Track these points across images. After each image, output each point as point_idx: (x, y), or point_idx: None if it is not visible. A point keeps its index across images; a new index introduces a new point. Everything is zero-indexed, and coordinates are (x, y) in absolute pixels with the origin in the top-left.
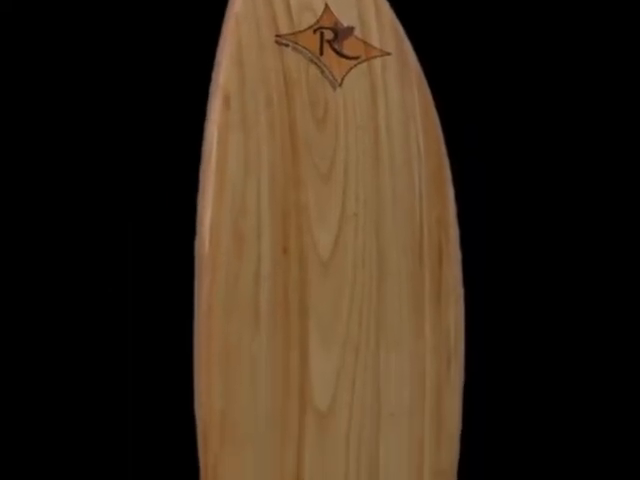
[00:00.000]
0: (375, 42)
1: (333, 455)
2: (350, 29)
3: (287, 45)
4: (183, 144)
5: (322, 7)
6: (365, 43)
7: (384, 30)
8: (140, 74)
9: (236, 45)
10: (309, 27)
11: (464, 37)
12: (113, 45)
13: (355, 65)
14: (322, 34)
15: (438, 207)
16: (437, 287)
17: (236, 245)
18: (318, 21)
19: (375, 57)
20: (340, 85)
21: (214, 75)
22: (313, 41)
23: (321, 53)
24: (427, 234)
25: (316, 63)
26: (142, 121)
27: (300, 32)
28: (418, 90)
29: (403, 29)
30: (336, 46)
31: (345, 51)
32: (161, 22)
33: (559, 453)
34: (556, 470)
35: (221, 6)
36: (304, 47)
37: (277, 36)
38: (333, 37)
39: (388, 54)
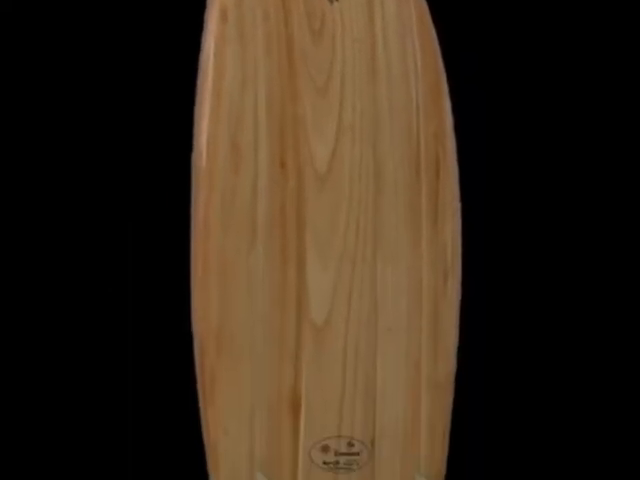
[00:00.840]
0: None
1: (330, 369)
2: None
3: None
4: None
5: None
6: None
7: None
8: None
9: None
10: None
11: None
12: None
13: None
14: None
15: (435, 120)
16: (434, 201)
17: (233, 158)
18: None
19: None
20: None
21: None
22: None
23: None
24: (424, 147)
25: None
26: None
27: None
28: (415, 3)
29: None
30: None
31: None
32: None
33: (556, 373)
34: (554, 390)
35: None
36: None
37: None
38: None
39: None
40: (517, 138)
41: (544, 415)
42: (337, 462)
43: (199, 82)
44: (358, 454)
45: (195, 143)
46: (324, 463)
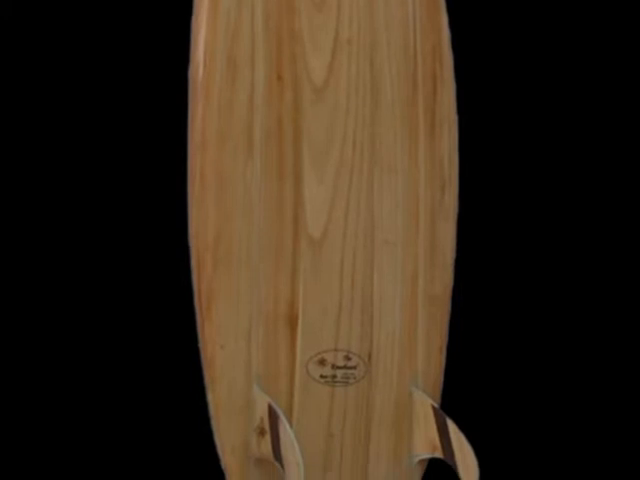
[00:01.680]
0: None
1: (327, 282)
2: None
3: None
4: None
5: None
6: None
7: None
8: None
9: None
10: None
11: None
12: None
13: None
14: None
15: (433, 36)
16: (431, 114)
17: (230, 71)
18: None
19: None
20: None
21: None
22: None
23: None
24: (421, 62)
25: None
26: None
27: None
28: None
29: None
30: None
31: None
32: None
33: (553, 286)
34: (552, 305)
35: None
36: None
37: None
38: None
39: None
40: (515, 52)
41: (541, 331)
42: (334, 376)
43: None
44: (355, 368)
45: (192, 57)
46: (321, 377)
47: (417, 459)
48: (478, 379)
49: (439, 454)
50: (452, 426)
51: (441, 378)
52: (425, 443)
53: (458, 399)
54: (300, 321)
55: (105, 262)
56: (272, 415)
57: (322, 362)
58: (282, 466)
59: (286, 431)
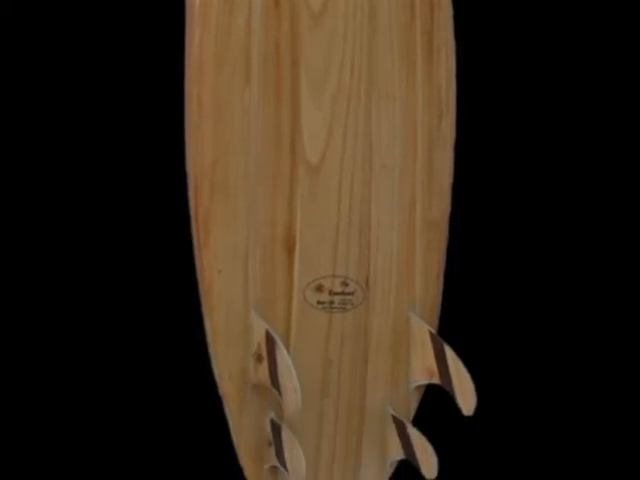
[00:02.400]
0: None
1: (324, 208)
2: None
3: None
4: None
5: None
6: None
7: None
8: None
9: None
10: None
11: None
12: None
13: None
14: None
15: None
16: (429, 40)
17: None
18: None
19: None
20: None
21: None
22: None
23: None
24: None
25: None
26: None
27: None
28: None
29: None
30: None
31: None
32: None
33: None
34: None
35: None
36: None
37: None
38: None
39: None
40: None
41: (538, 257)
42: (331, 302)
43: None
44: (352, 294)
45: None
46: (318, 302)
47: (414, 385)
48: (476, 306)
49: (436, 380)
50: (450, 352)
51: (438, 304)
52: (422, 369)
53: (456, 326)
54: (297, 246)
55: (102, 189)
56: (269, 341)
57: (319, 288)
58: (279, 392)
59: (283, 357)
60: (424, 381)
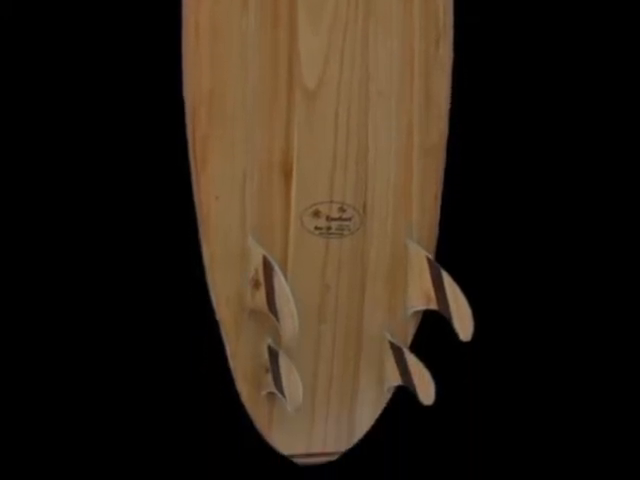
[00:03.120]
0: None
1: (322, 133)
2: None
3: None
4: None
5: None
6: None
7: None
8: None
9: None
10: None
11: None
12: None
13: None
14: None
15: None
16: None
17: None
18: None
19: None
20: None
21: None
22: None
23: None
24: None
25: None
26: None
27: None
28: None
29: None
30: None
31: None
32: None
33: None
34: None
35: None
36: None
37: None
38: None
39: None
40: None
41: (536, 183)
42: (329, 227)
43: None
44: (350, 219)
45: None
46: (315, 228)
47: (412, 311)
48: (473, 232)
49: (434, 306)
50: (447, 278)
51: (436, 230)
52: (420, 295)
53: (453, 252)
54: (294, 172)
55: (100, 116)
56: (267, 267)
57: (317, 214)
58: (277, 318)
59: (281, 283)
60: (421, 307)
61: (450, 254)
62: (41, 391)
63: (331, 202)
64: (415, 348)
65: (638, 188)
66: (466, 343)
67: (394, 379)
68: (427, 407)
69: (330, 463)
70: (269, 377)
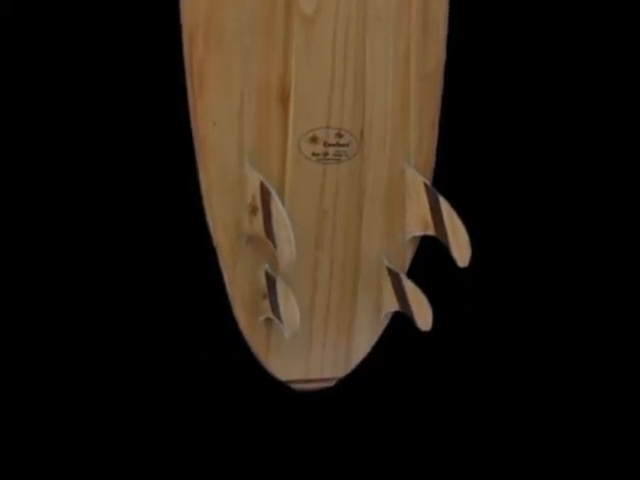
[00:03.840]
0: None
1: (319, 59)
2: None
3: None
4: None
5: None
6: None
7: None
8: None
9: None
10: None
11: None
12: None
13: None
14: None
15: None
16: None
17: None
18: None
19: None
20: None
21: None
22: None
23: None
24: None
25: None
26: None
27: None
28: None
29: None
30: None
31: None
32: None
33: None
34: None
35: None
36: None
37: None
38: None
39: None
40: None
41: (533, 116)
42: (326, 153)
43: None
44: (347, 145)
45: None
46: (313, 154)
47: (410, 236)
48: (471, 158)
49: (431, 232)
50: (444, 204)
51: (433, 156)
52: (418, 221)
53: (451, 178)
54: (292, 97)
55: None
56: (264, 193)
57: (314, 139)
58: (274, 244)
59: (278, 208)
60: (419, 232)
61: (448, 180)
62: (43, 337)
63: (328, 127)
64: (413, 274)
65: None
66: (463, 269)
67: (391, 305)
68: (425, 333)
69: (327, 389)
70: (266, 303)
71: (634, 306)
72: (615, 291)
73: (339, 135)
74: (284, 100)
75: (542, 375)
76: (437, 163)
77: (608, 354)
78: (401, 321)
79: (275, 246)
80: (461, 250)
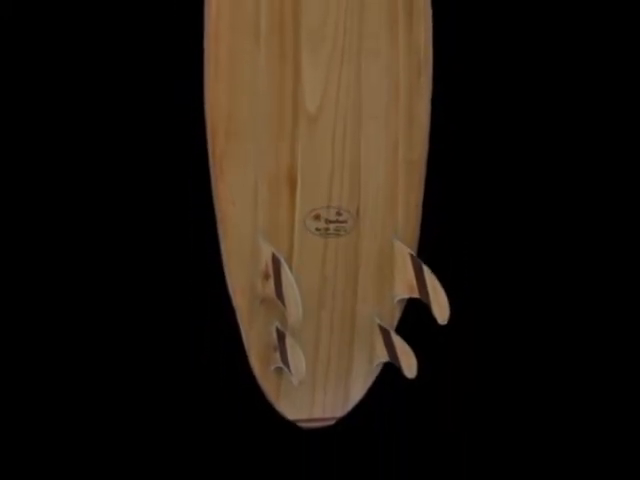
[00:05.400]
0: None
1: (321, 149)
2: None
3: None
4: None
5: None
6: None
7: None
8: None
9: None
10: None
11: None
12: None
13: None
14: None
15: None
16: (409, 7)
17: None
18: None
19: None
20: None
21: None
22: None
23: None
24: None
25: None
26: None
27: None
28: None
29: None
30: None
31: None
32: None
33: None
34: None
35: None
36: None
37: None
38: None
39: None
40: None
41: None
42: (327, 229)
43: None
44: (345, 222)
45: None
46: (316, 229)
47: (397, 299)
48: (451, 232)
49: (416, 295)
50: (427, 271)
51: (417, 231)
52: (404, 285)
53: (433, 248)
54: (298, 182)
55: (132, 139)
56: (275, 262)
57: (317, 217)
58: (284, 304)
59: (287, 275)
60: (406, 295)
61: (430, 250)
62: (50, 381)
63: (329, 207)
64: (400, 330)
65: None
66: (443, 326)
67: (382, 356)
68: (410, 380)
69: (328, 427)
70: (277, 355)
71: (628, 325)
72: (611, 313)
73: (339, 213)
74: (291, 184)
75: (530, 420)
76: (421, 236)
77: (601, 377)
78: (390, 370)
79: (284, 307)
80: (441, 310)
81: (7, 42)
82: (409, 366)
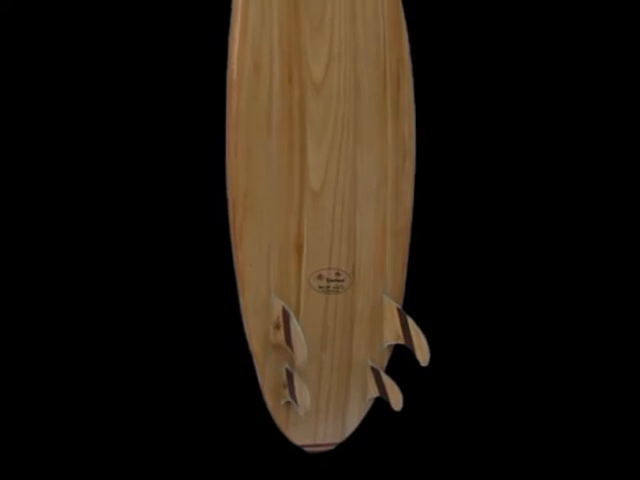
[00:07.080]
0: None
1: (323, 221)
2: None
3: None
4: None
5: None
6: None
7: None
8: None
9: None
10: None
11: None
12: None
13: None
14: None
15: (397, 48)
16: (395, 105)
17: (255, 74)
18: None
19: None
20: None
21: None
22: None
23: None
24: (389, 68)
25: None
26: None
27: None
28: None
29: None
30: None
31: None
32: None
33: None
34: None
35: None
36: None
37: None
38: None
39: None
40: (464, 63)
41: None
42: (328, 286)
43: (231, 21)
44: (343, 281)
45: (228, 62)
46: (319, 287)
47: (387, 344)
48: (431, 289)
49: (402, 341)
50: (411, 322)
51: (403, 288)
52: (392, 333)
53: (416, 303)
54: (304, 248)
55: (161, 209)
56: (285, 314)
57: (320, 277)
58: (292, 349)
59: (295, 325)
60: (393, 342)
61: (414, 305)
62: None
63: (329, 268)
64: (389, 371)
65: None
66: (425, 367)
67: (374, 392)
68: (397, 412)
69: (330, 451)
70: (286, 391)
71: (622, 334)
72: (606, 328)
73: (337, 274)
74: (298, 250)
75: (522, 445)
76: (406, 293)
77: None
78: (381, 403)
79: (293, 351)
80: (423, 354)
81: (12, 42)
82: (396, 401)
